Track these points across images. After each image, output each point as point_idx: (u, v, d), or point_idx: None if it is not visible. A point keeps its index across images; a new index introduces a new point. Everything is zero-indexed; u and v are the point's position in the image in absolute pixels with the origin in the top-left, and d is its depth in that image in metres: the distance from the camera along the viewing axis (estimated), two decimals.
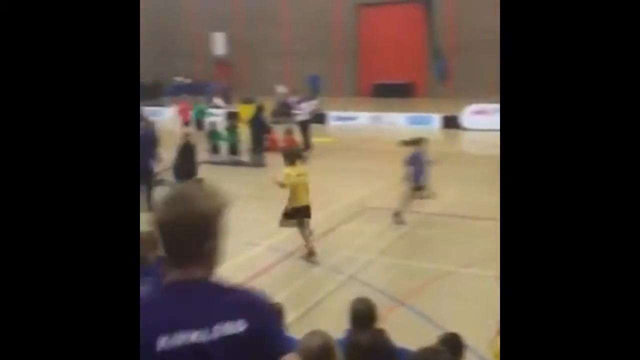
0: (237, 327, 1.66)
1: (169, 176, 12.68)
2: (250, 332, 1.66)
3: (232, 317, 1.66)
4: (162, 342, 1.63)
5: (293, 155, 8.35)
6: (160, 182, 12.13)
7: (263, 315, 1.72)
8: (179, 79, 32.78)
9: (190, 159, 12.53)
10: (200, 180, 12.43)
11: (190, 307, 1.68)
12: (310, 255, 8.06)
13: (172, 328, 1.64)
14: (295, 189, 7.88)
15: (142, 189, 10.63)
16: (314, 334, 2.93)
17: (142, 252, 4.78)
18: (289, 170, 7.97)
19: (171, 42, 34.57)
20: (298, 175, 7.96)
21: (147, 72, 30.85)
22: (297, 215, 7.97)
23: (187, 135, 13.29)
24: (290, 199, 7.94)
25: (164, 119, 22.36)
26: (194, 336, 1.64)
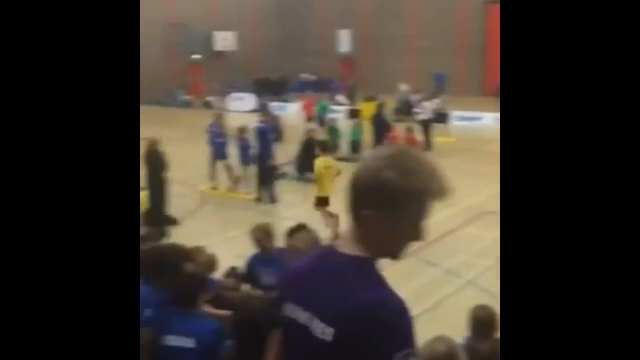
0: (326, 333, 1.49)
1: (290, 170, 13.08)
2: (336, 343, 1.47)
3: (328, 320, 1.50)
4: (287, 309, 1.65)
5: (325, 146, 9.26)
6: (282, 176, 12.53)
7: (361, 332, 1.42)
8: (304, 75, 33.54)
9: (311, 154, 12.83)
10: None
11: (312, 286, 1.59)
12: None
13: (296, 299, 1.63)
14: (320, 179, 8.57)
15: (263, 182, 11.03)
16: (439, 339, 2.88)
17: (263, 243, 4.97)
18: (318, 161, 8.78)
19: (299, 40, 35.45)
20: (325, 167, 8.66)
21: (275, 69, 32.00)
22: (320, 203, 8.63)
23: (309, 130, 13.62)
24: (317, 188, 8.66)
25: (288, 114, 23.00)
26: (303, 317, 1.59)
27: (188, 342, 3.21)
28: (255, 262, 5.05)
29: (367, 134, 15.68)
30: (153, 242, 5.14)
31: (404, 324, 1.46)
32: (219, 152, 11.70)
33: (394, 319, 1.45)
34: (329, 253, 1.63)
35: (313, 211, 10.25)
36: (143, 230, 5.93)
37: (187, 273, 3.67)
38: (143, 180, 9.47)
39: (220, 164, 11.82)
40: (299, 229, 4.59)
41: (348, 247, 1.58)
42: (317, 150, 9.41)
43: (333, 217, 8.56)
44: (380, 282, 1.54)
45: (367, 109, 20.68)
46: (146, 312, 3.27)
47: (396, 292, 1.54)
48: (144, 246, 4.50)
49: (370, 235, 1.55)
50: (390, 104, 20.16)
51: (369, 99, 22.95)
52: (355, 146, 15.66)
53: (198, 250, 4.92)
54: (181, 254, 3.82)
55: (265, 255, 4.96)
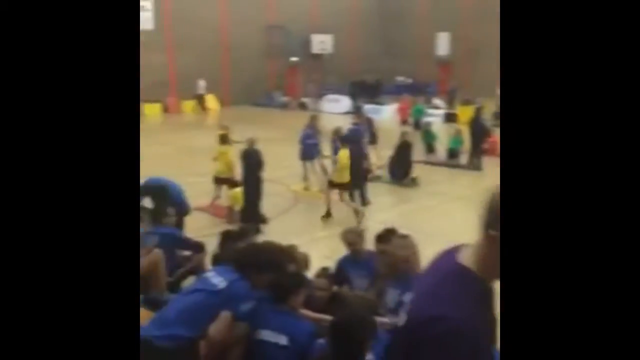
0: (402, 320, 1.65)
1: (384, 173, 12.99)
2: (399, 335, 1.63)
3: (407, 311, 1.64)
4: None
5: (345, 139, 10.39)
6: (375, 179, 12.47)
7: (413, 338, 1.54)
8: (400, 78, 33.30)
9: (406, 157, 12.69)
10: (414, 179, 12.52)
11: (421, 277, 1.73)
12: (357, 215, 9.68)
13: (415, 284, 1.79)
14: (341, 169, 9.71)
15: (356, 184, 11.00)
16: None
17: (355, 246, 4.97)
18: (342, 152, 9.83)
19: (396, 43, 35.26)
20: (347, 158, 9.77)
21: (371, 72, 32.00)
22: (334, 187, 9.85)
23: (404, 134, 13.46)
24: (336, 175, 9.86)
25: (383, 117, 22.94)
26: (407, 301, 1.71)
27: (282, 340, 3.27)
28: (346, 264, 5.05)
29: (465, 139, 15.32)
30: (249, 238, 5.27)
31: (458, 347, 1.48)
32: (309, 153, 11.85)
33: (447, 339, 1.48)
34: (448, 255, 1.68)
35: (405, 215, 10.13)
36: (238, 227, 6.11)
37: (287, 271, 3.74)
38: (240, 178, 9.77)
39: (312, 165, 11.96)
40: (389, 234, 4.55)
41: (466, 257, 1.61)
42: (340, 144, 10.40)
43: (343, 201, 9.90)
44: (470, 301, 1.54)
45: (464, 113, 20.20)
46: (243, 307, 3.35)
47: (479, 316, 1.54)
48: (241, 243, 4.63)
49: (490, 256, 1.55)
50: (490, 108, 19.56)
51: (467, 102, 22.40)
52: (454, 152, 15.32)
53: (292, 249, 4.99)
54: (280, 252, 3.90)
55: (356, 258, 4.96)
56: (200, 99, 27.23)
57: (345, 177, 9.80)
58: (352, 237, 4.99)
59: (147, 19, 25.77)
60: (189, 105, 27.28)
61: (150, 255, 5.27)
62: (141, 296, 5.14)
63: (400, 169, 12.70)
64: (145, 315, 4.27)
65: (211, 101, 27.89)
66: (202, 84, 26.98)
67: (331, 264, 5.17)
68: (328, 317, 3.58)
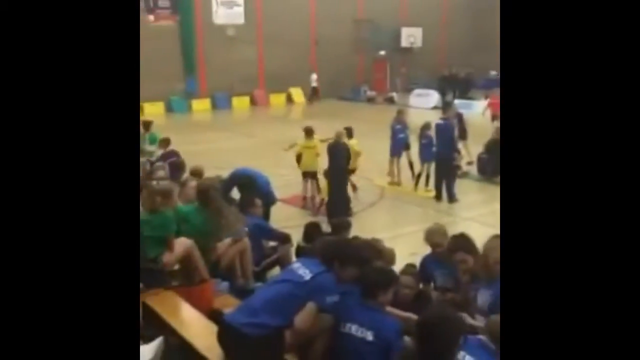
0: None
1: (472, 170, 12.63)
2: None
3: None
4: None
5: (350, 131, 10.84)
6: (464, 175, 12.14)
7: None
8: (493, 73, 32.29)
9: (498, 154, 12.25)
10: None
11: None
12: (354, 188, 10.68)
13: None
14: (355, 157, 10.35)
15: (443, 180, 10.75)
16: None
17: (441, 248, 4.83)
18: (352, 142, 10.52)
19: (487, 35, 34.20)
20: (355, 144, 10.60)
21: (462, 66, 31.20)
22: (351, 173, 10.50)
23: (497, 130, 13.00)
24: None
25: (474, 112, 22.29)
26: None
27: (368, 335, 3.26)
28: (430, 263, 4.95)
29: None
30: (342, 233, 5.26)
31: None
32: (398, 148, 11.72)
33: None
34: None
35: (496, 213, 9.79)
36: (331, 222, 6.11)
37: (375, 267, 3.71)
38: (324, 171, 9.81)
39: (400, 160, 11.82)
40: (461, 241, 4.41)
41: None
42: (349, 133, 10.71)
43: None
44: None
45: None
46: (328, 299, 3.34)
47: None
48: (337, 236, 4.62)
49: None
50: None
51: None
52: None
53: (378, 243, 4.93)
54: (366, 248, 3.87)
55: (441, 258, 4.83)
56: (313, 91, 27.69)
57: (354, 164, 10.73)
58: (438, 238, 4.87)
59: (238, 14, 26.44)
60: (276, 98, 27.76)
61: (238, 244, 5.37)
62: (228, 284, 5.27)
63: (491, 166, 12.27)
64: (232, 303, 4.36)
65: (297, 95, 28.24)
66: (314, 77, 27.49)
67: (417, 260, 5.07)
68: (414, 316, 3.50)
